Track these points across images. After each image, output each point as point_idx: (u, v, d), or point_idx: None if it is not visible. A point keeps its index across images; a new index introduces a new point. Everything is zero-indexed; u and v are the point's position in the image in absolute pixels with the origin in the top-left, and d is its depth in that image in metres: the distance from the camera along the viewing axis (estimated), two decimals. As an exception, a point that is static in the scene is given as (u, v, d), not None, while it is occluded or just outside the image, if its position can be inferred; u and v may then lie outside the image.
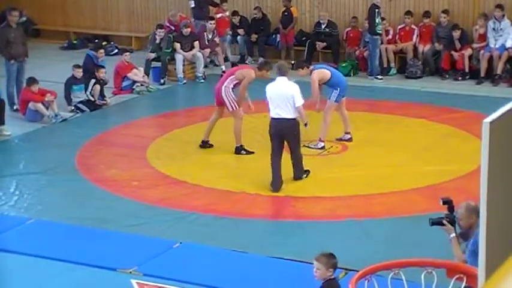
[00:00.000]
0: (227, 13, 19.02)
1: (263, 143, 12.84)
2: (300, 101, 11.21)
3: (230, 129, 13.23)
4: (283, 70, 11.48)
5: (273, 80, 11.64)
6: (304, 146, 12.96)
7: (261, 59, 13.03)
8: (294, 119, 11.25)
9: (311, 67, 12.93)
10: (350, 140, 13.18)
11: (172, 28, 18.53)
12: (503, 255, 3.52)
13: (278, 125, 11.23)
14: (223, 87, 12.57)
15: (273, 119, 11.29)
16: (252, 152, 12.74)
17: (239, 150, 12.76)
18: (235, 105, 12.59)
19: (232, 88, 12.64)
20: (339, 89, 12.75)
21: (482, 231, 3.54)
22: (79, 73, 15.56)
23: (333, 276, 6.97)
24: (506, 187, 3.67)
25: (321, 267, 6.95)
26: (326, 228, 10.21)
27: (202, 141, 13.04)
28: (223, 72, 17.64)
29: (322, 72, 12.80)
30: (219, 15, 18.84)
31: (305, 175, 11.63)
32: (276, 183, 11.27)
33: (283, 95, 11.16)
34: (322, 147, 12.81)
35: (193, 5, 18.96)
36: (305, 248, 9.42)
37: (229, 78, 12.70)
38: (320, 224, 10.36)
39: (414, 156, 12.67)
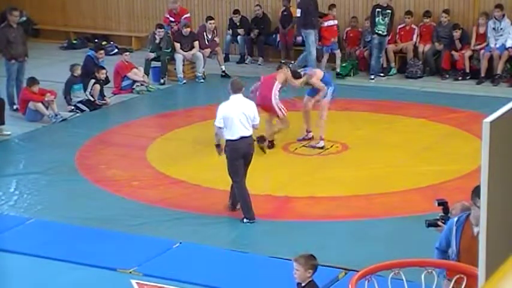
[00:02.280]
0: (336, 20, 17.69)
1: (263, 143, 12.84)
2: (258, 119, 10.63)
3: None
4: (237, 87, 10.57)
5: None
6: (303, 146, 12.99)
7: (292, 66, 12.90)
8: (251, 136, 10.59)
9: (302, 72, 12.99)
10: (312, 138, 13.20)
11: (172, 19, 18.49)
12: (503, 255, 3.52)
13: (243, 145, 10.37)
14: (272, 95, 12.45)
15: (235, 140, 10.29)
16: (272, 147, 12.83)
17: (263, 140, 12.67)
18: (284, 112, 12.53)
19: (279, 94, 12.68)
20: (332, 87, 12.87)
21: (482, 231, 3.54)
22: (78, 70, 15.58)
23: (311, 278, 6.99)
24: (506, 187, 3.67)
25: (299, 268, 6.97)
26: (326, 228, 10.21)
27: (270, 142, 12.88)
28: (224, 72, 17.69)
29: (318, 72, 12.97)
30: (326, 24, 17.51)
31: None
32: (252, 211, 10.46)
33: (244, 113, 10.38)
34: (323, 147, 12.81)
35: (299, 14, 17.18)
36: (305, 248, 9.39)
37: (275, 85, 12.54)
38: (320, 224, 10.36)
39: (414, 156, 12.67)
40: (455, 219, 6.74)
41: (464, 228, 6.66)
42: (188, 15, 18.62)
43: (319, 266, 8.86)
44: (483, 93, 15.96)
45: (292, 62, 18.20)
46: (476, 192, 6.58)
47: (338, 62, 17.57)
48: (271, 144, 12.89)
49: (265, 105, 12.55)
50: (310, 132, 13.17)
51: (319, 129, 12.88)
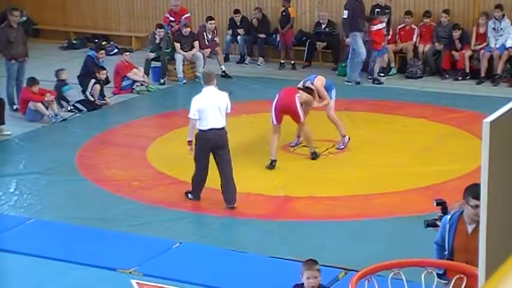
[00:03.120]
0: (383, 24, 17.21)
1: (263, 143, 12.85)
2: (229, 108, 10.86)
3: (231, 129, 13.20)
4: (209, 79, 10.84)
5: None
6: (328, 149, 12.93)
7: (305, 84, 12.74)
8: (224, 127, 10.79)
9: (307, 82, 12.80)
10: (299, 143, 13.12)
11: (172, 19, 18.49)
12: (503, 255, 3.52)
13: (213, 136, 10.61)
14: (296, 99, 12.23)
15: (207, 131, 10.59)
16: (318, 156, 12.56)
17: (316, 155, 12.50)
18: (303, 116, 12.38)
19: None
20: (334, 89, 12.86)
21: (482, 231, 3.54)
22: (63, 75, 15.61)
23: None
24: (506, 187, 3.67)
25: (318, 274, 7.00)
26: (326, 228, 10.21)
27: (272, 161, 12.23)
28: (224, 72, 17.68)
29: (319, 79, 12.84)
30: (375, 28, 17.04)
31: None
32: (199, 193, 10.89)
33: (217, 104, 10.64)
34: (348, 140, 12.84)
35: (346, 16, 16.86)
36: (305, 248, 9.42)
37: (297, 95, 12.33)
38: (320, 224, 10.36)
39: (414, 156, 12.67)
40: (449, 216, 6.76)
41: (457, 226, 6.68)
42: (188, 15, 18.63)
43: (319, 266, 8.89)
44: (483, 93, 15.95)
45: (293, 62, 18.23)
46: (468, 191, 6.60)
47: (377, 67, 17.15)
48: (316, 154, 12.59)
49: (287, 109, 12.30)
50: (299, 137, 13.13)
51: (338, 130, 12.85)
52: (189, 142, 10.85)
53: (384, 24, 17.17)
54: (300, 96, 12.40)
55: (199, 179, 10.90)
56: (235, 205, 10.70)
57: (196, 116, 10.60)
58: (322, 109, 12.87)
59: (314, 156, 12.51)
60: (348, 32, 16.92)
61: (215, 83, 10.89)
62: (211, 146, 10.65)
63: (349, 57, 17.00)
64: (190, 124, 10.81)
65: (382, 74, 17.56)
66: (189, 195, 11.04)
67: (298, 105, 12.24)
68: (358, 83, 16.87)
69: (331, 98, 12.77)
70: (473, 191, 6.49)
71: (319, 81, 12.77)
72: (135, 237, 9.88)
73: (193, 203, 11.01)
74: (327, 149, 12.85)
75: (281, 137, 12.52)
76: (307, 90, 12.55)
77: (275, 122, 12.28)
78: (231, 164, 10.83)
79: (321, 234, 10.00)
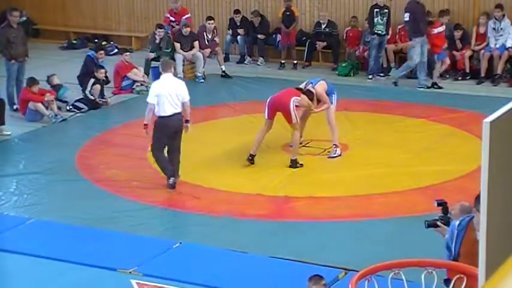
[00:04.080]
0: (444, 26, 16.84)
1: (263, 143, 12.84)
2: (188, 97, 11.45)
3: (231, 129, 13.25)
4: (167, 67, 11.60)
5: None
6: (304, 146, 12.97)
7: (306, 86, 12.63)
8: (181, 113, 11.38)
9: (309, 85, 12.71)
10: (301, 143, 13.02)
11: (172, 19, 18.48)
12: (503, 255, 3.52)
13: (172, 122, 11.23)
14: (291, 101, 12.17)
15: (167, 117, 11.17)
16: (301, 165, 12.29)
17: (296, 163, 12.24)
18: (297, 118, 12.32)
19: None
20: (335, 94, 12.73)
21: (482, 231, 3.54)
22: (55, 80, 15.60)
23: None
24: (506, 187, 3.67)
25: None
26: (326, 228, 10.22)
27: (251, 155, 12.32)
28: (224, 72, 17.69)
29: (321, 84, 12.72)
30: (436, 30, 16.69)
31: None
32: (170, 172, 11.38)
33: (175, 91, 11.26)
34: (340, 154, 12.64)
35: (407, 18, 16.48)
36: (305, 248, 9.43)
37: (295, 97, 12.28)
38: (320, 224, 10.36)
39: (414, 156, 12.67)
40: (457, 222, 6.70)
41: (466, 233, 6.61)
42: (189, 15, 18.61)
43: (319, 266, 8.89)
44: (483, 93, 15.95)
45: (295, 62, 18.22)
46: (479, 198, 6.55)
47: (437, 71, 16.75)
48: (300, 164, 12.34)
49: (280, 107, 12.30)
50: (301, 137, 13.07)
51: (332, 137, 12.73)
52: (145, 125, 11.44)
53: (444, 27, 16.81)
54: (301, 100, 12.37)
55: (164, 160, 11.41)
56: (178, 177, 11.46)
57: (155, 101, 11.18)
58: (323, 109, 12.85)
59: (293, 164, 12.20)
60: (411, 36, 16.50)
61: (173, 70, 11.73)
62: (170, 130, 11.27)
63: (418, 62, 16.54)
64: (148, 108, 11.35)
65: (382, 74, 17.55)
66: (170, 180, 11.34)
67: (292, 106, 12.17)
68: (428, 86, 16.45)
69: (331, 103, 12.68)
70: None
71: (321, 86, 12.67)
72: (135, 237, 9.88)
73: (194, 203, 11.00)
74: (326, 149, 12.83)
75: (282, 137, 12.53)
76: (308, 93, 12.51)
77: (266, 117, 12.36)
78: (179, 152, 11.52)
79: (321, 234, 10.00)
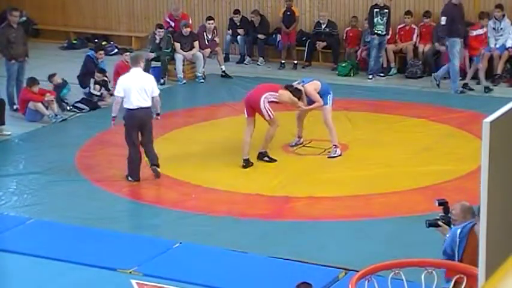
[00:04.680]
0: (484, 29, 16.74)
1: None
2: (157, 91, 11.74)
3: (230, 128, 13.25)
4: (136, 61, 11.83)
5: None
6: (304, 146, 12.97)
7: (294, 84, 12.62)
8: (150, 107, 11.65)
9: (300, 84, 12.68)
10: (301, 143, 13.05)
11: (172, 24, 18.48)
12: (503, 255, 3.53)
13: (139, 115, 11.51)
14: (262, 98, 12.22)
15: (132, 109, 11.51)
16: (275, 160, 12.42)
17: (263, 156, 12.41)
18: (272, 114, 12.29)
19: (269, 102, 12.36)
20: (331, 93, 12.66)
21: (482, 231, 3.54)
22: (57, 80, 15.56)
23: None
24: (506, 187, 3.67)
25: None
26: (326, 228, 10.21)
27: (245, 160, 12.26)
28: (224, 72, 17.69)
29: (314, 83, 12.65)
30: (475, 33, 16.67)
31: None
32: (136, 175, 11.65)
33: (142, 85, 11.51)
34: (340, 154, 12.63)
35: (444, 22, 16.07)
36: (305, 248, 9.43)
37: (270, 92, 12.36)
38: (320, 224, 10.36)
39: (414, 156, 12.66)
40: (459, 230, 6.62)
41: (468, 240, 6.53)
42: (189, 21, 18.53)
43: (319, 266, 8.90)
44: (483, 93, 15.95)
45: (295, 62, 18.21)
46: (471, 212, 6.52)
47: (482, 73, 16.35)
48: (269, 158, 12.46)
49: (252, 104, 12.36)
50: (301, 137, 13.09)
51: (330, 138, 12.72)
52: (113, 118, 11.86)
53: (485, 29, 16.64)
54: (280, 96, 12.36)
55: (133, 158, 11.65)
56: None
57: (121, 94, 11.55)
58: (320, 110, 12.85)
59: (259, 156, 12.35)
60: (445, 38, 16.18)
61: (142, 65, 11.91)
62: (138, 123, 11.55)
63: (446, 65, 16.35)
64: (115, 101, 11.89)
65: (382, 74, 17.56)
66: (129, 178, 11.66)
67: (262, 102, 12.17)
68: (460, 92, 16.12)
69: (326, 103, 12.59)
70: None
71: (311, 86, 12.58)
72: (135, 237, 9.88)
73: (194, 203, 11.01)
74: (326, 149, 12.82)
75: (282, 137, 12.51)
76: (295, 91, 12.48)
77: (246, 115, 12.46)
78: (153, 143, 11.80)
79: (321, 234, 10.00)
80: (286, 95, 12.42)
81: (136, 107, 11.48)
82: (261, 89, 12.60)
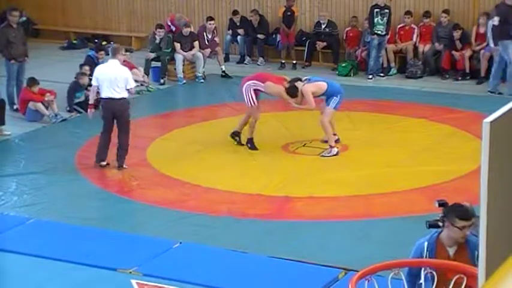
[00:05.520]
0: None
1: (262, 143, 12.85)
2: (133, 84, 12.09)
3: (230, 128, 13.25)
4: (115, 52, 12.14)
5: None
6: (303, 146, 12.99)
7: (292, 78, 12.87)
8: (125, 98, 11.99)
9: (305, 80, 12.70)
10: (338, 141, 13.04)
11: (173, 29, 18.49)
12: (503, 255, 3.52)
13: (110, 105, 11.91)
14: (246, 83, 12.78)
15: (104, 99, 11.95)
16: (256, 149, 12.83)
17: (234, 135, 13.11)
18: (252, 102, 12.76)
19: (254, 90, 12.72)
20: (338, 96, 12.59)
21: (482, 231, 3.54)
22: (84, 80, 15.48)
23: None
24: (506, 187, 3.67)
25: None
26: (326, 228, 10.21)
27: (235, 133, 13.14)
28: (224, 72, 17.70)
29: (316, 85, 12.60)
30: None
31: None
32: (100, 156, 12.20)
33: (116, 77, 11.83)
34: (337, 153, 12.63)
35: (496, 22, 15.61)
36: (305, 248, 9.43)
37: (257, 81, 12.74)
38: (320, 224, 10.35)
39: (414, 156, 12.66)
40: (426, 243, 6.47)
41: (437, 252, 6.41)
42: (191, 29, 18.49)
43: (319, 266, 8.89)
44: (483, 93, 15.95)
45: (294, 62, 18.20)
46: (454, 211, 6.29)
47: None
48: (239, 139, 13.07)
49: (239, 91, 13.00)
50: (335, 134, 13.02)
51: (326, 139, 12.73)
52: (90, 105, 12.65)
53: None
54: (266, 86, 12.65)
55: (101, 142, 12.22)
56: (124, 166, 12.16)
57: (95, 83, 12.07)
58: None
59: (250, 144, 12.88)
60: (497, 40, 15.72)
61: (120, 57, 12.16)
62: (110, 113, 11.98)
63: (495, 66, 16.06)
64: (92, 89, 12.43)
65: (382, 74, 17.57)
66: (100, 162, 12.21)
67: (244, 89, 12.74)
68: (500, 93, 15.94)
69: (329, 105, 12.57)
70: (459, 212, 6.29)
71: (311, 87, 12.52)
72: (135, 237, 9.88)
73: (194, 203, 11.01)
74: (326, 149, 12.81)
75: (282, 137, 12.51)
76: (290, 88, 12.51)
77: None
78: (129, 134, 12.18)
79: (321, 234, 9.99)
80: (272, 87, 12.65)
81: (106, 97, 11.91)
82: (248, 77, 13.06)
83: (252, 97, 12.64)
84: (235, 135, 13.09)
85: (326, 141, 12.77)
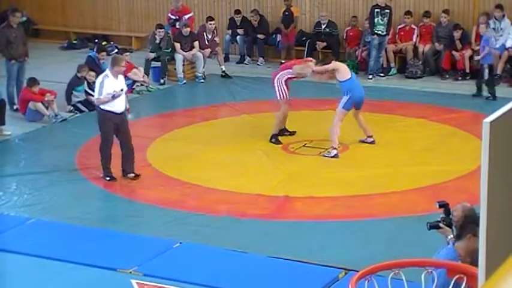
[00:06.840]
0: None
1: (263, 143, 12.85)
2: (96, 94, 11.85)
3: (230, 128, 13.25)
4: (113, 64, 12.19)
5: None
6: (303, 146, 13.00)
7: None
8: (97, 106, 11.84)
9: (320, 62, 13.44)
10: (373, 142, 13.08)
11: (174, 17, 18.44)
12: (503, 255, 3.53)
13: (115, 118, 11.84)
14: (277, 76, 13.06)
15: (111, 112, 11.82)
16: (280, 143, 13.07)
17: (271, 138, 13.12)
18: (283, 94, 13.03)
19: (285, 81, 13.03)
20: (349, 95, 12.59)
21: (482, 231, 3.54)
22: (84, 72, 15.52)
23: None
24: (506, 187, 3.67)
25: None
26: (326, 228, 10.21)
27: (280, 130, 13.26)
28: (224, 72, 17.70)
29: (345, 68, 12.97)
30: None
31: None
32: (124, 167, 11.95)
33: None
34: (335, 155, 12.63)
35: None
36: (305, 248, 9.43)
37: (286, 71, 13.15)
38: (320, 224, 10.36)
39: (414, 156, 12.67)
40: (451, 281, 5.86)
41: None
42: (191, 14, 18.57)
43: (319, 266, 8.89)
44: (483, 93, 15.95)
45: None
46: (475, 222, 5.81)
47: None
48: (276, 140, 13.09)
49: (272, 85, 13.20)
50: (370, 137, 13.06)
51: (330, 138, 12.74)
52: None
53: None
54: (293, 70, 13.07)
55: (109, 154, 11.97)
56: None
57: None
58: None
59: (274, 139, 13.05)
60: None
61: (117, 70, 12.08)
62: (114, 124, 11.89)
63: None
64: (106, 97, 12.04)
65: (381, 74, 17.57)
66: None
67: (277, 82, 12.98)
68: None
69: (340, 104, 12.61)
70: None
71: (338, 65, 12.95)
72: (135, 237, 9.88)
73: (194, 203, 11.01)
74: (326, 149, 12.81)
75: (282, 137, 12.53)
76: (326, 58, 13.28)
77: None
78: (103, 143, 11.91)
79: (321, 234, 9.99)
80: (299, 68, 13.13)
81: (114, 111, 11.88)
82: (279, 70, 13.38)
83: (284, 89, 13.01)
84: (282, 132, 13.24)
85: (364, 141, 13.04)
